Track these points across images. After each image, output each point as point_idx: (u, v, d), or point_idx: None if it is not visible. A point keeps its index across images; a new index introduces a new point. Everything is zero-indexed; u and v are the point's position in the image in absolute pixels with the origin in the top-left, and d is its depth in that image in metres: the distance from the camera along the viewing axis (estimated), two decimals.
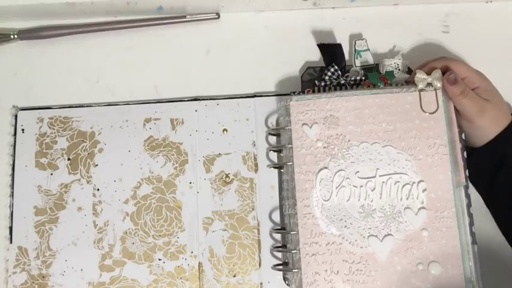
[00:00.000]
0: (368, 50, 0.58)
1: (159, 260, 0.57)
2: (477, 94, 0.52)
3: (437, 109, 0.51)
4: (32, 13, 0.62)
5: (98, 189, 0.58)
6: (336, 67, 0.55)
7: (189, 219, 0.57)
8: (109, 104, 0.61)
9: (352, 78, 0.55)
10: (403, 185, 0.51)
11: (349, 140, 0.52)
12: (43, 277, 0.57)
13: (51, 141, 0.60)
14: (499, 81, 0.54)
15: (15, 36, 0.62)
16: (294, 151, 0.53)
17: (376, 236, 0.50)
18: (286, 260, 0.55)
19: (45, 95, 0.61)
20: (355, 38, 0.59)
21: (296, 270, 0.51)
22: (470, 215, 0.51)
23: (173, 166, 0.59)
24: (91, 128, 0.60)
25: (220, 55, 0.62)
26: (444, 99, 0.52)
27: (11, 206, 0.58)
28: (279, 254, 0.56)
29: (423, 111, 0.52)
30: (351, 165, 0.52)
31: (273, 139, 0.59)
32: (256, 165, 0.58)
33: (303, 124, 0.53)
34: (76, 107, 0.60)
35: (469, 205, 0.51)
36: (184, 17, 0.62)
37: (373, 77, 0.54)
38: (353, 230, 0.51)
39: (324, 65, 0.57)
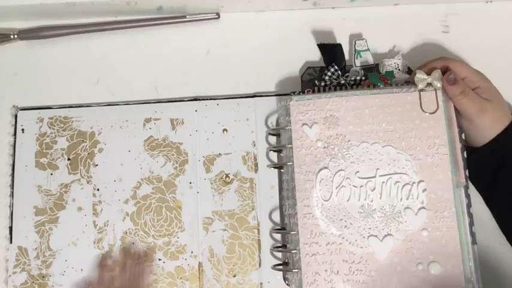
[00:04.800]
0: (368, 50, 0.58)
1: (159, 260, 0.57)
2: (477, 94, 0.52)
3: (437, 109, 0.51)
4: (32, 13, 0.62)
5: (98, 189, 0.58)
6: (336, 67, 0.55)
7: (189, 219, 0.57)
8: (109, 104, 0.61)
9: (352, 78, 0.55)
10: (403, 185, 0.51)
11: (349, 140, 0.52)
12: (43, 277, 0.57)
13: (51, 141, 0.60)
14: (499, 81, 0.54)
15: (15, 36, 0.62)
16: (294, 151, 0.53)
17: (376, 236, 0.50)
18: (286, 260, 0.55)
19: (45, 95, 0.61)
20: (355, 38, 0.59)
21: (296, 270, 0.51)
22: (470, 215, 0.51)
23: (173, 166, 0.59)
24: (91, 128, 0.60)
25: (220, 55, 0.62)
26: (444, 99, 0.52)
27: (11, 206, 0.58)
28: (279, 254, 0.56)
29: (423, 111, 0.52)
30: (351, 165, 0.52)
31: (273, 139, 0.59)
32: (256, 165, 0.58)
33: (303, 124, 0.53)
34: (76, 107, 0.61)
35: (469, 205, 0.51)
36: (184, 17, 0.62)
37: (373, 77, 0.54)
38: (353, 230, 0.51)
39: (324, 65, 0.57)
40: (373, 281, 0.49)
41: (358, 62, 0.57)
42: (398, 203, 0.50)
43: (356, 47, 0.58)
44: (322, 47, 0.58)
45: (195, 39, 0.63)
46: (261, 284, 0.56)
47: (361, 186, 0.51)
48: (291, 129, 0.54)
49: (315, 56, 0.61)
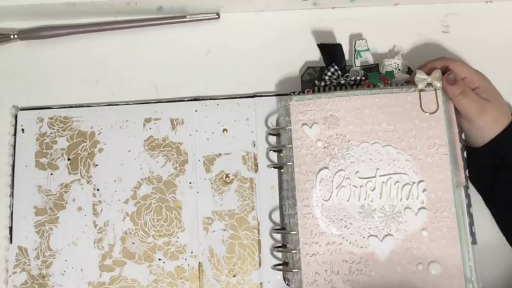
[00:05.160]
0: (368, 50, 0.58)
1: (159, 260, 0.57)
2: (477, 94, 0.52)
3: (437, 109, 0.51)
4: (32, 13, 0.62)
5: (98, 189, 0.58)
6: (336, 67, 0.55)
7: (189, 219, 0.57)
8: (109, 104, 0.61)
9: (352, 78, 0.55)
10: (403, 185, 0.51)
11: (349, 140, 0.52)
12: (43, 277, 0.57)
13: (51, 141, 0.60)
14: (499, 81, 0.54)
15: (15, 36, 0.62)
16: (294, 151, 0.53)
17: (376, 236, 0.50)
18: (286, 260, 0.55)
19: (45, 95, 0.61)
20: (355, 38, 0.59)
21: (296, 270, 0.51)
22: (470, 215, 0.51)
23: (173, 166, 0.59)
24: (91, 128, 0.60)
25: (220, 55, 0.62)
26: (444, 99, 0.52)
27: (11, 206, 0.58)
28: (279, 254, 0.56)
29: (423, 111, 0.52)
30: (351, 165, 0.52)
31: (273, 139, 0.58)
32: (256, 165, 0.58)
33: (303, 124, 0.53)
34: (76, 107, 0.60)
35: (469, 205, 0.51)
36: (184, 17, 0.62)
37: (373, 77, 0.54)
38: (353, 230, 0.51)
39: (324, 65, 0.57)
40: (373, 281, 0.49)
41: (358, 62, 0.57)
42: (398, 203, 0.50)
43: (356, 47, 0.58)
44: (322, 47, 0.58)
45: (195, 39, 0.63)
46: (261, 284, 0.56)
47: (361, 186, 0.51)
48: (291, 129, 0.54)
49: (315, 56, 0.61)
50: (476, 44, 0.61)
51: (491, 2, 0.63)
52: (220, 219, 0.57)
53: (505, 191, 0.53)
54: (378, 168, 0.51)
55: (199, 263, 0.56)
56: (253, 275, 0.56)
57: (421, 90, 0.52)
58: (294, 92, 0.55)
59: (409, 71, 0.57)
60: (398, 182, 0.51)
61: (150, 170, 0.59)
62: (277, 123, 0.58)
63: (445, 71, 0.52)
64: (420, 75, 0.52)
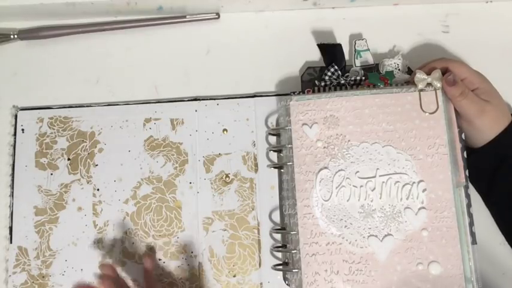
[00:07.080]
0: (368, 50, 0.58)
1: (159, 260, 0.57)
2: (477, 95, 0.51)
3: (437, 109, 0.51)
4: (32, 13, 0.62)
5: (98, 189, 0.58)
6: (336, 67, 0.55)
7: (189, 219, 0.57)
8: (109, 104, 0.61)
9: (352, 78, 0.55)
10: (403, 185, 0.51)
11: (349, 140, 0.52)
12: (43, 277, 0.57)
13: (51, 141, 0.60)
14: (499, 81, 0.54)
15: (15, 36, 0.62)
16: (294, 151, 0.53)
17: (376, 236, 0.50)
18: (286, 260, 0.55)
19: (45, 95, 0.61)
20: (355, 38, 0.59)
21: (296, 270, 0.51)
22: (470, 215, 0.51)
23: (173, 166, 0.59)
24: (91, 128, 0.60)
25: (220, 55, 0.62)
26: (444, 99, 0.52)
27: (11, 206, 0.58)
28: (279, 254, 0.56)
29: (423, 111, 0.52)
30: (351, 165, 0.52)
31: (273, 139, 0.59)
32: (256, 165, 0.58)
33: (303, 124, 0.53)
34: (76, 107, 0.60)
35: (469, 205, 0.51)
36: (184, 17, 0.62)
37: (373, 77, 0.54)
38: (353, 230, 0.51)
39: (324, 65, 0.57)
40: (373, 281, 0.49)
41: (358, 62, 0.57)
42: (398, 203, 0.50)
43: (356, 47, 0.58)
44: (322, 47, 0.58)
45: (195, 39, 0.63)
46: (261, 284, 0.56)
47: (361, 186, 0.51)
48: (291, 129, 0.54)
49: (315, 56, 0.61)
50: (476, 44, 0.61)
51: (491, 2, 0.63)
52: (220, 219, 0.57)
53: (504, 192, 0.53)
54: (377, 168, 0.51)
55: (199, 263, 0.56)
56: (253, 275, 0.56)
57: (421, 90, 0.52)
58: (294, 92, 0.55)
59: (409, 71, 0.57)
60: (398, 182, 0.51)
61: (150, 170, 0.59)
62: (277, 123, 0.58)
63: (444, 71, 0.52)
64: (420, 75, 0.52)
